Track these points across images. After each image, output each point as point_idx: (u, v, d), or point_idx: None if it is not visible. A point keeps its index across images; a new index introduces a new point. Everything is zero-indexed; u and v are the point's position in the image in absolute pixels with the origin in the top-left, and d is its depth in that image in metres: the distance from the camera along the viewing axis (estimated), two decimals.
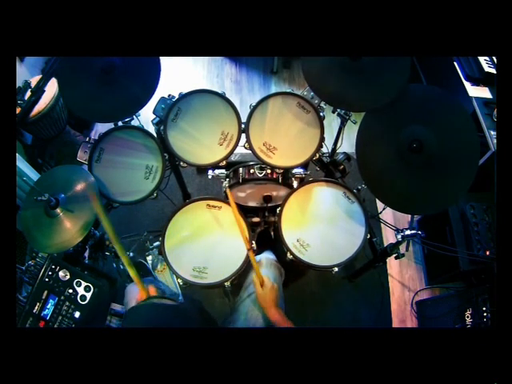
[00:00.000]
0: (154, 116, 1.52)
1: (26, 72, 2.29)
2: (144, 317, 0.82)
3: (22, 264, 1.59)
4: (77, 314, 1.38)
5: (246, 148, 1.49)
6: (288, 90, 1.48)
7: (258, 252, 1.60)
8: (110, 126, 1.51)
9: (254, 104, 1.47)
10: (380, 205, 2.08)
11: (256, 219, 1.91)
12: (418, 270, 2.27)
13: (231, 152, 1.48)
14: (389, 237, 2.32)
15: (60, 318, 1.37)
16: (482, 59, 1.98)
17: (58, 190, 1.32)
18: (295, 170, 1.61)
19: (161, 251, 1.42)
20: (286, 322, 1.17)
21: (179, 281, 1.40)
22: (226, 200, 1.49)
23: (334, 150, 2.03)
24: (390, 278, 2.23)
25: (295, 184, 1.64)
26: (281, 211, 1.47)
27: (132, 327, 0.96)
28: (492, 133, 1.74)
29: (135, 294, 1.46)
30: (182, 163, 1.50)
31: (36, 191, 1.27)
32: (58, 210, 1.30)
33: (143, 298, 1.16)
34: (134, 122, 1.55)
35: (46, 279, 1.39)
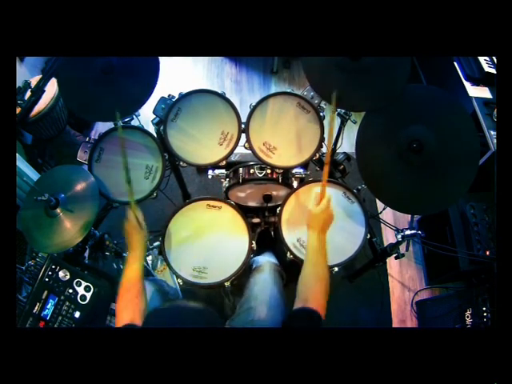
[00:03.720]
0: (154, 116, 1.52)
1: (26, 72, 2.29)
2: (168, 319, 0.81)
3: (22, 264, 1.59)
4: (77, 314, 1.38)
5: (245, 148, 1.49)
6: (288, 90, 1.48)
7: (258, 252, 1.60)
8: (110, 125, 1.51)
9: (254, 104, 1.47)
10: (380, 205, 2.08)
11: (256, 219, 1.91)
12: (418, 270, 2.27)
13: (231, 152, 1.48)
14: (389, 237, 2.32)
15: (60, 318, 1.37)
16: (482, 59, 1.98)
17: (57, 190, 1.32)
18: (295, 170, 1.61)
19: (161, 251, 1.42)
20: (324, 249, 1.11)
21: (179, 281, 1.40)
22: (226, 200, 1.49)
23: (334, 149, 2.03)
24: (390, 278, 2.23)
25: (295, 184, 1.64)
26: (281, 211, 1.47)
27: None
28: (492, 133, 1.74)
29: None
30: (181, 163, 1.50)
31: (36, 191, 1.27)
32: (58, 210, 1.30)
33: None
34: (134, 122, 1.55)
35: (46, 279, 1.39)
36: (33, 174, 2.01)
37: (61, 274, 1.41)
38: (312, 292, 1.01)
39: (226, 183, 1.69)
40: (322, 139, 1.46)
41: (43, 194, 1.25)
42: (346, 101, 1.31)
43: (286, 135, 1.48)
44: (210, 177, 1.70)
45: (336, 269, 1.40)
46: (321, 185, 1.19)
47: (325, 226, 1.15)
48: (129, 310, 1.06)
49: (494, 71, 1.92)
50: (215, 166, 1.49)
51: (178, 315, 0.81)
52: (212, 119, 1.49)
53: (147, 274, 2.02)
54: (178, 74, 2.91)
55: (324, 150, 1.64)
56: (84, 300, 1.40)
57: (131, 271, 1.14)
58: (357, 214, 1.46)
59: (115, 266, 1.84)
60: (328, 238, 1.42)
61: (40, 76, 1.42)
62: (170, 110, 1.46)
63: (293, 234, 1.44)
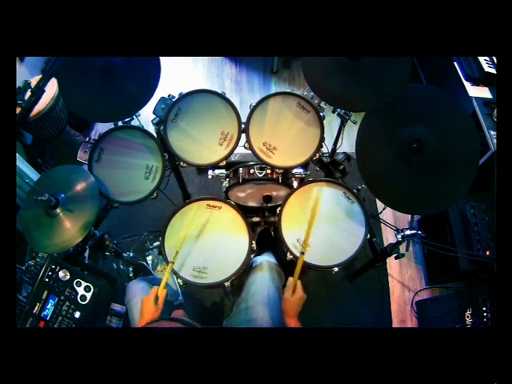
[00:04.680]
0: (154, 116, 1.52)
1: (26, 72, 2.29)
2: None
3: (22, 264, 1.59)
4: (77, 314, 1.38)
5: (245, 148, 1.49)
6: (288, 90, 1.48)
7: (258, 252, 1.60)
8: (110, 125, 1.51)
9: (254, 104, 1.47)
10: (380, 205, 2.08)
11: (256, 219, 1.91)
12: (418, 270, 2.27)
13: (231, 152, 1.48)
14: (389, 237, 2.32)
15: (60, 318, 1.37)
16: (482, 59, 1.98)
17: (58, 190, 1.32)
18: (295, 170, 1.61)
19: (161, 251, 1.42)
20: None
21: (179, 281, 1.40)
22: (226, 200, 1.49)
23: (333, 149, 2.03)
24: (390, 278, 2.23)
25: (295, 184, 1.64)
26: (281, 211, 1.47)
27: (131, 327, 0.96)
28: (492, 133, 1.74)
29: (137, 290, 1.46)
30: (181, 163, 1.50)
31: (36, 191, 1.27)
32: (58, 210, 1.30)
33: (152, 297, 1.19)
34: (134, 122, 1.55)
35: (46, 279, 1.39)
36: (33, 174, 2.01)
37: (61, 274, 1.41)
38: None
39: (225, 183, 1.69)
40: (321, 139, 1.46)
41: (43, 194, 1.25)
42: (346, 101, 1.31)
43: (285, 135, 1.48)
44: (209, 177, 1.70)
45: (336, 269, 1.40)
46: (293, 278, 1.24)
47: (299, 310, 1.22)
48: None
49: (494, 71, 1.92)
50: (215, 166, 1.49)
51: None
52: (212, 119, 1.49)
53: (147, 274, 2.02)
54: (178, 73, 2.91)
55: (324, 150, 1.64)
56: (84, 300, 1.40)
57: None
58: (357, 214, 1.46)
59: (115, 266, 1.84)
60: (328, 238, 1.43)
61: (40, 76, 1.42)
62: (169, 110, 1.46)
63: (293, 234, 1.44)
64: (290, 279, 1.24)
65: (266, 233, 1.92)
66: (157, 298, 1.21)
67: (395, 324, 2.13)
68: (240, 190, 1.73)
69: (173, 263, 1.27)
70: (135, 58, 1.35)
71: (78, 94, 1.39)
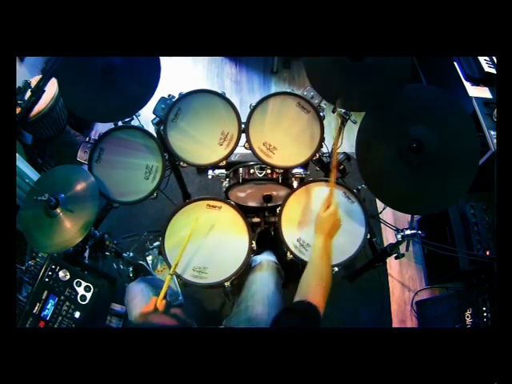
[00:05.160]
0: (154, 116, 1.52)
1: (26, 72, 2.29)
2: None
3: (22, 264, 1.59)
4: (77, 314, 1.38)
5: (245, 148, 1.49)
6: (288, 90, 1.48)
7: (257, 252, 1.60)
8: (110, 125, 1.51)
9: (254, 104, 1.47)
10: (380, 205, 2.08)
11: (256, 219, 1.91)
12: (418, 270, 2.27)
13: (231, 152, 1.48)
14: (389, 237, 2.32)
15: (60, 318, 1.37)
16: (482, 59, 1.98)
17: (58, 190, 1.32)
18: (295, 170, 1.61)
19: (161, 251, 1.42)
20: (328, 253, 1.12)
21: (179, 281, 1.40)
22: (226, 200, 1.49)
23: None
24: (390, 278, 2.23)
25: (295, 184, 1.64)
26: (281, 211, 1.47)
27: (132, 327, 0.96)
28: (492, 133, 1.74)
29: (137, 292, 1.46)
30: (181, 163, 1.50)
31: (36, 191, 1.27)
32: (58, 210, 1.29)
33: (151, 308, 1.16)
34: (134, 122, 1.55)
35: (46, 279, 1.39)
36: (33, 174, 2.01)
37: (61, 274, 1.41)
38: (312, 290, 1.01)
39: (225, 183, 1.69)
40: (321, 139, 1.46)
41: (43, 194, 1.25)
42: (347, 101, 1.31)
43: (285, 135, 1.48)
44: (210, 177, 1.70)
45: (336, 269, 1.40)
46: (329, 190, 1.21)
47: (332, 231, 1.16)
48: None
49: (494, 71, 1.92)
50: (215, 166, 1.49)
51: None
52: (212, 119, 1.49)
53: (147, 274, 2.02)
54: (178, 73, 2.91)
55: (324, 150, 1.64)
56: (84, 300, 1.40)
57: None
58: (357, 214, 1.46)
59: (115, 266, 1.84)
60: None
61: (40, 76, 1.42)
62: (169, 110, 1.46)
63: (293, 234, 1.44)
64: (326, 196, 1.20)
65: (265, 233, 1.92)
66: (156, 310, 1.17)
67: (395, 324, 2.13)
68: (240, 190, 1.73)
69: (171, 276, 1.26)
70: (135, 58, 1.35)
71: (78, 94, 1.38)
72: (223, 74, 2.97)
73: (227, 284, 1.38)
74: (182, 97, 1.48)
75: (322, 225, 1.16)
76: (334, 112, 1.60)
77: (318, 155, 1.48)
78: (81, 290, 1.40)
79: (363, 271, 1.95)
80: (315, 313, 0.94)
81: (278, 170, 1.53)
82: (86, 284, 1.41)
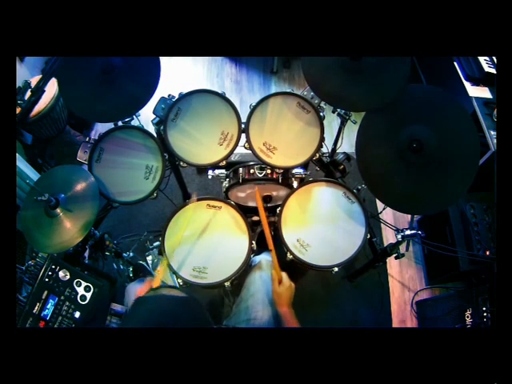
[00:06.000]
0: (154, 116, 1.52)
1: (26, 72, 2.29)
2: (150, 307, 0.80)
3: (22, 264, 1.59)
4: (77, 314, 1.38)
5: (245, 148, 1.49)
6: (288, 90, 1.48)
7: (257, 252, 1.60)
8: (110, 125, 1.51)
9: (254, 104, 1.47)
10: (380, 205, 2.08)
11: (256, 219, 1.91)
12: (418, 270, 2.26)
13: (231, 152, 1.48)
14: (389, 237, 2.31)
15: (60, 318, 1.37)
16: (482, 59, 1.98)
17: (57, 190, 1.32)
18: (295, 170, 1.61)
19: (161, 251, 1.42)
20: (295, 323, 1.17)
21: (179, 281, 1.40)
22: (226, 200, 1.49)
23: (333, 150, 2.03)
24: (390, 278, 2.23)
25: (295, 184, 1.64)
26: (281, 211, 1.47)
27: (131, 327, 0.96)
28: (492, 133, 1.74)
29: (137, 292, 1.46)
30: (181, 163, 1.50)
31: (36, 191, 1.27)
32: (58, 210, 1.29)
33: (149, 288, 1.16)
34: (134, 122, 1.55)
35: (46, 279, 1.39)
36: (33, 174, 2.01)
37: (61, 274, 1.41)
38: None
39: (225, 183, 1.69)
40: (321, 139, 1.46)
41: (43, 194, 1.25)
42: (346, 101, 1.31)
43: (285, 135, 1.48)
44: (209, 177, 1.70)
45: (336, 269, 1.40)
46: (273, 267, 1.28)
47: (290, 299, 1.23)
48: None
49: (494, 71, 1.92)
50: (215, 166, 1.49)
51: (162, 304, 0.81)
52: (212, 119, 1.49)
53: (147, 274, 2.02)
54: (178, 73, 2.91)
55: (324, 150, 1.64)
56: (84, 300, 1.40)
57: None
58: (357, 214, 1.46)
59: (115, 266, 1.84)
60: (328, 238, 1.43)
61: (40, 76, 1.42)
62: (169, 109, 1.46)
63: (293, 234, 1.44)
64: (273, 272, 1.26)
65: None
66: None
67: (395, 324, 2.13)
68: (240, 190, 1.73)
69: (167, 260, 1.26)
70: (135, 58, 1.35)
71: (78, 94, 1.38)
72: (223, 74, 2.97)
73: (227, 284, 1.38)
74: (182, 97, 1.48)
75: (281, 300, 1.21)
76: (334, 112, 1.61)
77: (317, 155, 1.48)
78: (81, 290, 1.40)
79: (363, 271, 1.95)
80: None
81: (277, 170, 1.53)
82: (86, 284, 1.41)
